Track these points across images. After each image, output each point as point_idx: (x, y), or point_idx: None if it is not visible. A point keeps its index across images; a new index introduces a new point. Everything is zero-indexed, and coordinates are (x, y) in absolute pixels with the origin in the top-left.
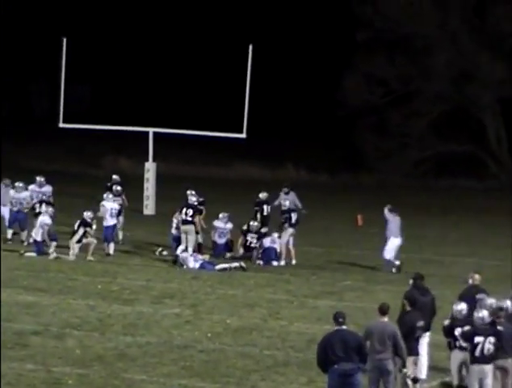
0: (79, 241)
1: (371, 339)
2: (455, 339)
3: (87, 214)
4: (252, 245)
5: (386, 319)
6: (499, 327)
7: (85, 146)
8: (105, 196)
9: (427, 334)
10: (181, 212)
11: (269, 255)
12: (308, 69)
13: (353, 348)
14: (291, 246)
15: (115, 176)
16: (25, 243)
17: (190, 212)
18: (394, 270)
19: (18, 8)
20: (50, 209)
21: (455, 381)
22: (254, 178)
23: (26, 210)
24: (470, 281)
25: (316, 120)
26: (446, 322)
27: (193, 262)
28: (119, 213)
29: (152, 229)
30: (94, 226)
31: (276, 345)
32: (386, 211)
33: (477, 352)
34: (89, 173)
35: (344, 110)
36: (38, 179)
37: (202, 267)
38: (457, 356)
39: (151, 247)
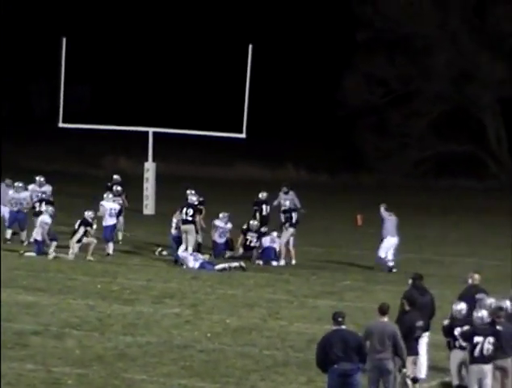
0: (79, 240)
1: (371, 339)
2: (455, 338)
3: (88, 214)
4: (252, 244)
5: (386, 319)
6: (498, 327)
7: (85, 146)
8: (105, 195)
9: (426, 334)
10: (181, 211)
11: (268, 254)
12: (308, 69)
13: (352, 348)
14: (291, 247)
15: (115, 176)
16: (25, 243)
17: (191, 211)
18: (390, 264)
19: (18, 8)
20: (50, 209)
21: (455, 381)
22: (254, 178)
23: (26, 210)
24: (469, 281)
25: (316, 120)
26: (446, 321)
27: (193, 261)
28: (119, 213)
29: (151, 229)
30: (95, 226)
31: (276, 345)
32: (382, 210)
33: (476, 352)
34: (89, 173)
35: (344, 110)
36: (38, 178)
37: (201, 267)
38: (457, 356)
39: (151, 247)
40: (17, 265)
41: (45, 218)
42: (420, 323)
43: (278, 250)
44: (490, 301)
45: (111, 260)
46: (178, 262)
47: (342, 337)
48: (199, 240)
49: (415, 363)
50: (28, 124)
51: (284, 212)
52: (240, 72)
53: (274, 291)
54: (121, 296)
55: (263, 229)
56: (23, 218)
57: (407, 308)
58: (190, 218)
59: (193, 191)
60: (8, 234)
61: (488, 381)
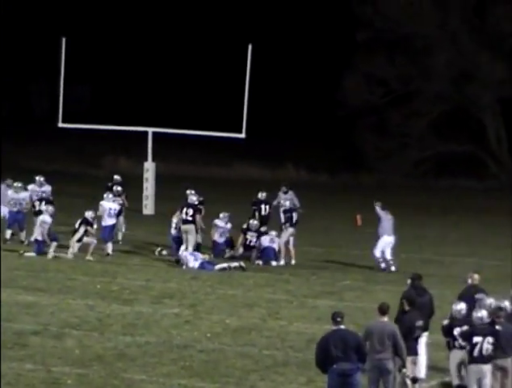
0: (80, 240)
1: (371, 339)
2: (454, 338)
3: (89, 214)
4: (251, 244)
5: (386, 319)
6: (498, 327)
7: (85, 146)
8: (105, 195)
9: (425, 334)
10: (181, 211)
11: (268, 254)
12: (308, 69)
13: (352, 348)
14: (291, 246)
15: (116, 176)
16: (25, 243)
17: (191, 211)
18: (382, 266)
19: (18, 8)
20: (50, 208)
21: (455, 381)
22: (254, 178)
23: (26, 210)
24: (469, 281)
25: (316, 120)
26: (446, 321)
27: (193, 261)
28: (118, 214)
29: (151, 229)
30: (95, 226)
31: (275, 345)
32: (378, 209)
33: (476, 352)
34: (89, 173)
35: (344, 110)
36: (38, 178)
37: (201, 266)
38: (456, 356)
39: (150, 247)
40: (17, 265)
41: (45, 218)
42: (420, 323)
43: (277, 250)
44: (490, 301)
45: (111, 260)
46: (179, 262)
47: (341, 337)
48: (199, 240)
49: (415, 363)
50: (28, 124)
51: (285, 212)
52: (239, 72)
53: (274, 291)
54: (121, 296)
55: (263, 229)
56: (22, 219)
57: (407, 308)
58: (190, 218)
59: (193, 191)
60: (8, 234)
61: (488, 381)
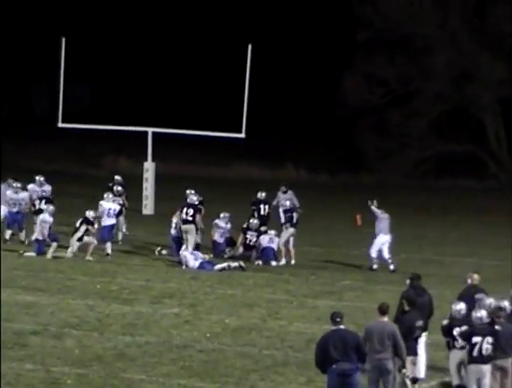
0: (80, 239)
1: (371, 339)
2: (454, 338)
3: (89, 213)
4: (252, 243)
5: (386, 319)
6: (497, 327)
7: (85, 146)
8: (105, 195)
9: (424, 333)
10: (181, 211)
11: (267, 254)
12: (308, 69)
13: (351, 348)
14: (291, 246)
15: (117, 177)
16: (25, 243)
17: (191, 211)
18: (374, 267)
19: (17, 8)
20: (51, 207)
21: (455, 381)
22: (254, 178)
23: (26, 210)
24: (469, 281)
25: (316, 120)
26: (445, 321)
27: (193, 260)
28: (118, 214)
29: (151, 229)
30: (96, 225)
31: (275, 345)
32: (374, 208)
33: (475, 352)
34: (89, 173)
35: (344, 110)
36: (37, 178)
37: (201, 266)
38: (456, 356)
39: (150, 247)
40: (16, 265)
41: (45, 217)
42: (420, 323)
43: (276, 249)
44: (489, 301)
45: (111, 260)
46: (180, 263)
47: (340, 337)
48: (198, 240)
49: (414, 363)
50: (28, 124)
51: (285, 211)
52: (239, 72)
53: (274, 291)
54: (120, 296)
55: (262, 229)
56: (21, 219)
57: (406, 308)
58: (190, 218)
59: (193, 191)
60: (7, 234)
61: (487, 381)
